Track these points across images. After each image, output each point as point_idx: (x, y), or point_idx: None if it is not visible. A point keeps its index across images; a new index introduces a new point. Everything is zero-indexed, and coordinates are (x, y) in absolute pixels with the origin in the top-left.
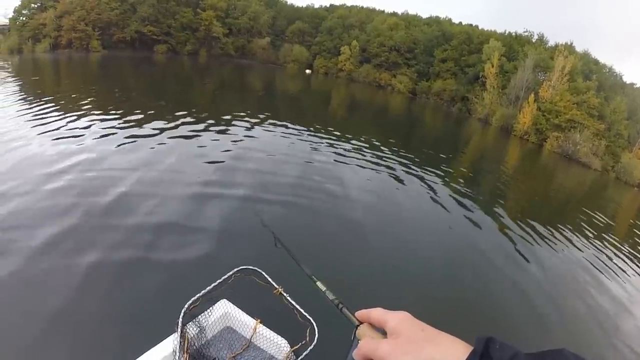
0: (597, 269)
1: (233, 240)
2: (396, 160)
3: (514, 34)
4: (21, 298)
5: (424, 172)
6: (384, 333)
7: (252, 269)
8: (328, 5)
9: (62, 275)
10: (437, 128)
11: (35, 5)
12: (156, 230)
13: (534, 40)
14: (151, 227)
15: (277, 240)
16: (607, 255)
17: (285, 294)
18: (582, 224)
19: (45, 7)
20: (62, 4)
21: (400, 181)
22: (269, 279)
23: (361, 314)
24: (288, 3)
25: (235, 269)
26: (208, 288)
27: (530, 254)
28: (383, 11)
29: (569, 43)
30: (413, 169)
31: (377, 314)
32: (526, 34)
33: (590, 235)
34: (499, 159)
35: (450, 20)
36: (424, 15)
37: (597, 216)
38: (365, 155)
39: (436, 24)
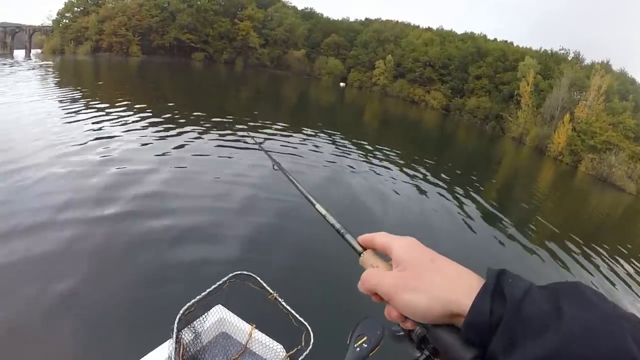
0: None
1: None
2: (426, 175)
3: (549, 51)
4: (15, 297)
5: (453, 189)
6: (389, 260)
7: (246, 274)
8: (363, 19)
9: (54, 279)
10: (470, 146)
11: (78, 9)
12: (155, 231)
13: (569, 58)
14: (151, 228)
15: (274, 163)
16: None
17: (280, 299)
18: (615, 249)
19: (88, 11)
20: (104, 9)
21: (425, 193)
22: (264, 284)
23: (364, 238)
24: (324, 16)
25: (230, 275)
26: (203, 294)
27: (558, 277)
28: (418, 26)
29: (605, 61)
30: (442, 185)
31: (381, 238)
32: (562, 51)
33: (623, 261)
34: (532, 179)
35: (485, 36)
36: (459, 31)
37: (631, 242)
38: (394, 168)
39: (471, 40)
